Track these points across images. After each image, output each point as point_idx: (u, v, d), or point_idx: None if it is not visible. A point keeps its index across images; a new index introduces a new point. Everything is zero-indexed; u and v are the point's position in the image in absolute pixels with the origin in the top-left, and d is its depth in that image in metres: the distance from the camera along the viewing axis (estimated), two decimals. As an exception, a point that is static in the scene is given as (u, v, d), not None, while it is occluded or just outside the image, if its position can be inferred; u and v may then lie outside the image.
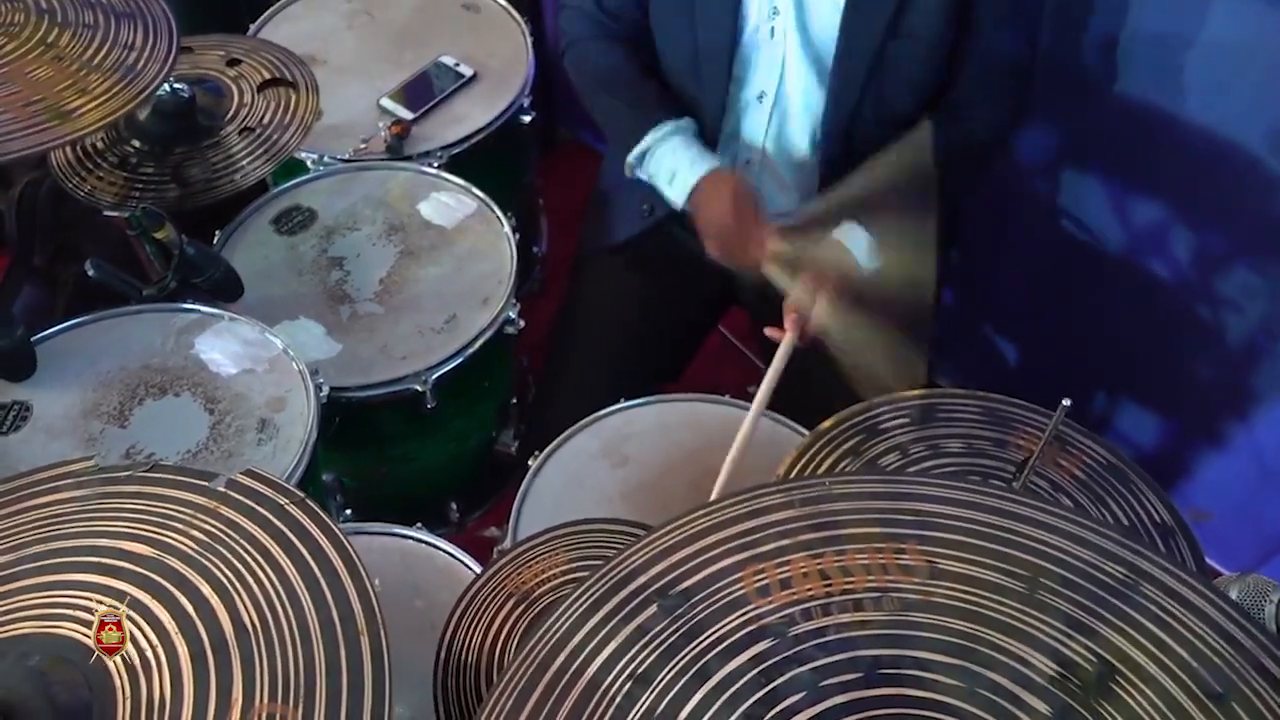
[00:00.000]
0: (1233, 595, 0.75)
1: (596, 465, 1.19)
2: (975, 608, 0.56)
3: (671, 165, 1.28)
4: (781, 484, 0.64)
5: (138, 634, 0.64)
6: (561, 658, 0.57)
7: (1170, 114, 1.40)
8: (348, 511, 1.40)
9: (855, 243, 1.23)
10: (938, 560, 0.58)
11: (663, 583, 0.59)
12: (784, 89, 1.28)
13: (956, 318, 1.91)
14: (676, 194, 1.28)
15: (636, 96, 1.33)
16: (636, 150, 1.30)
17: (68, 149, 1.25)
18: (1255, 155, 1.34)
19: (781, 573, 0.58)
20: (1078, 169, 1.58)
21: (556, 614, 0.59)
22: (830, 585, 0.57)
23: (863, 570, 0.58)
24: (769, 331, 1.20)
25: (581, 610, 0.59)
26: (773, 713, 0.53)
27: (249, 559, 0.67)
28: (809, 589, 0.57)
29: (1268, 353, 1.49)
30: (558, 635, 0.58)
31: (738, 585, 0.58)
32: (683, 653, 0.56)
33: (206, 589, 0.66)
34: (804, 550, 0.59)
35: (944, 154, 1.26)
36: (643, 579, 0.60)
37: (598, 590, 0.60)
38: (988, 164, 1.33)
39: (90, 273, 1.13)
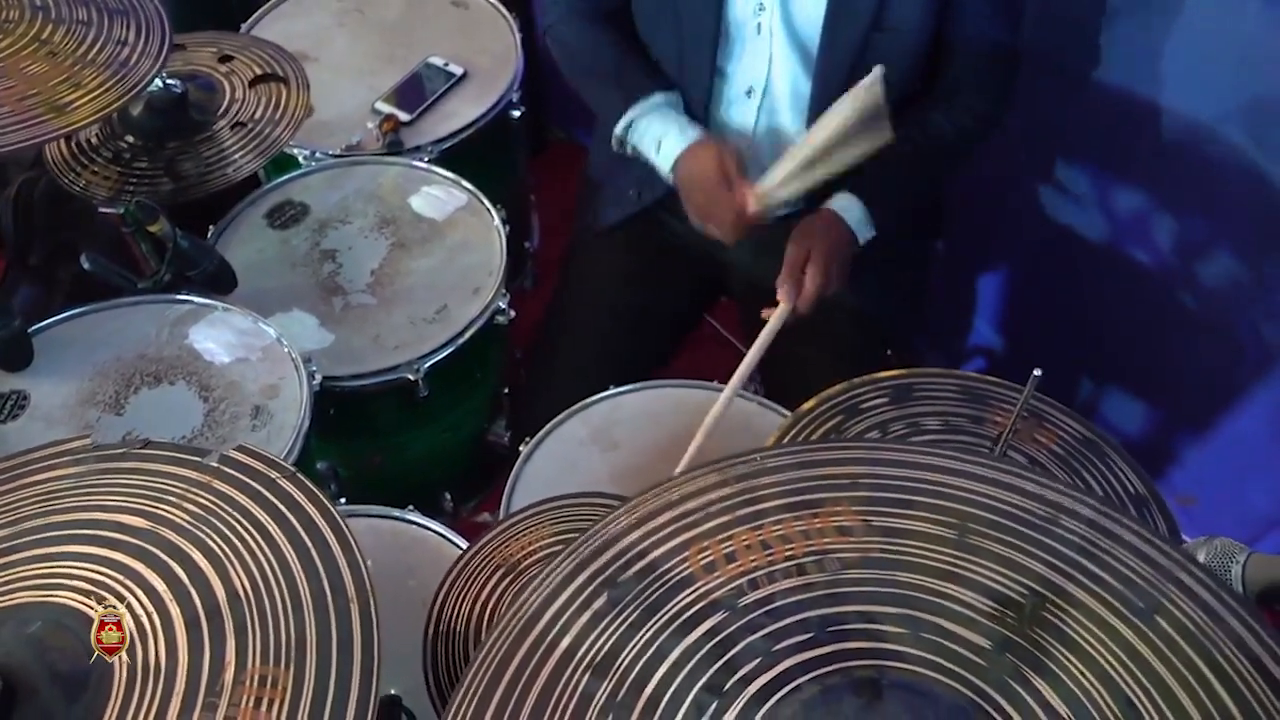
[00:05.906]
0: (1200, 558, 0.77)
1: (586, 450, 1.20)
2: (911, 558, 0.59)
3: (659, 132, 1.27)
4: (714, 463, 0.66)
5: (134, 602, 0.65)
6: (521, 652, 0.58)
7: (1150, 101, 1.41)
8: (342, 500, 1.42)
9: (849, 212, 1.25)
10: (871, 518, 0.61)
11: (611, 570, 0.61)
12: (771, 83, 1.29)
13: (942, 307, 1.93)
14: (664, 160, 1.28)
15: (620, 72, 1.33)
16: (623, 121, 1.30)
17: (62, 145, 1.27)
18: (1236, 140, 1.35)
19: (725, 548, 0.60)
20: (1061, 158, 1.60)
21: (512, 610, 0.60)
22: (772, 554, 0.60)
23: (801, 536, 0.60)
24: (766, 312, 1.20)
25: (538, 603, 0.60)
26: (732, 681, 0.55)
27: (241, 530, 0.69)
28: (753, 560, 0.59)
29: (1250, 338, 1.51)
30: (516, 630, 0.59)
31: (684, 565, 0.60)
32: (638, 635, 0.57)
33: (200, 559, 0.67)
34: (743, 524, 0.61)
35: (936, 142, 1.29)
36: (593, 568, 0.61)
37: (553, 580, 0.61)
38: (974, 151, 1.35)
39: (86, 266, 1.14)
